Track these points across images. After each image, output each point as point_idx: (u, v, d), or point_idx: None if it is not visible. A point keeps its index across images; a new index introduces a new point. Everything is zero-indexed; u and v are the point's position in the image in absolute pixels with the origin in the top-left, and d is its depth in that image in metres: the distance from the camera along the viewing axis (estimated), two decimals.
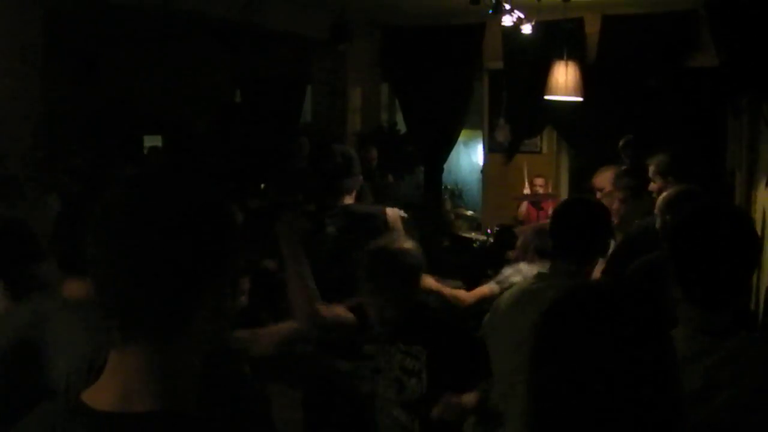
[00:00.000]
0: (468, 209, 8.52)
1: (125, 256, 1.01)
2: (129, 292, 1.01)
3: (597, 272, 3.83)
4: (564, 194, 8.06)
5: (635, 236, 4.06)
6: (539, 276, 2.74)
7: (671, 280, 1.86)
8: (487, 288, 4.17)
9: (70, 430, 1.01)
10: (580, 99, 6.97)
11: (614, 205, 4.32)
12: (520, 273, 3.97)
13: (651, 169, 4.78)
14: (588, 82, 6.97)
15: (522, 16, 6.03)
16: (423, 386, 2.70)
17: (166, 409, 1.01)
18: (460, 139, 8.84)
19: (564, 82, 6.90)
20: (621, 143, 6.30)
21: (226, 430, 1.09)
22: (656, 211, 3.52)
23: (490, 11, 5.78)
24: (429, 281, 3.82)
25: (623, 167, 5.73)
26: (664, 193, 3.53)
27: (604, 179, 4.90)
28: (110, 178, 3.78)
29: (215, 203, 1.09)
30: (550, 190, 7.58)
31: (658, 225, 3.46)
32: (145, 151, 9.07)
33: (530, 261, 3.98)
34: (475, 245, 6.62)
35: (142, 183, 1.08)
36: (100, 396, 1.03)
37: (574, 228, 2.63)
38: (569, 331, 1.24)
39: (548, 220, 2.99)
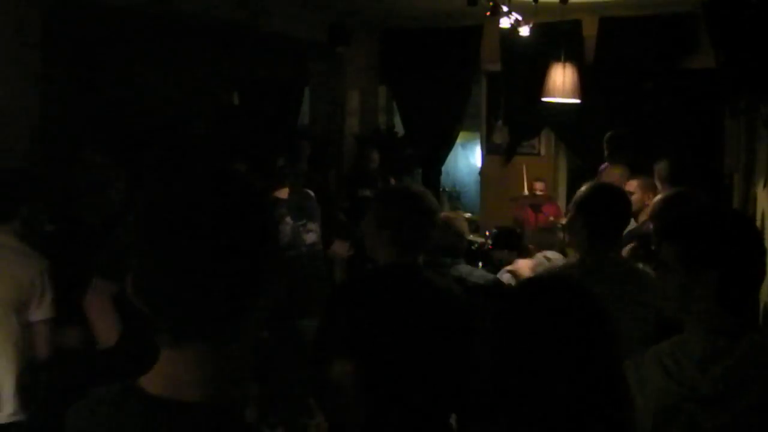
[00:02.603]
0: (466, 211, 8.51)
1: (183, 262, 1.01)
2: (184, 297, 1.01)
3: None
4: (562, 196, 8.06)
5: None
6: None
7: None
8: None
9: (125, 408, 1.05)
10: (577, 101, 6.98)
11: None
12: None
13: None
14: (586, 84, 6.98)
15: (519, 18, 6.03)
16: None
17: (212, 403, 1.04)
18: (458, 141, 8.84)
19: (562, 84, 6.91)
20: (606, 137, 6.25)
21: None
22: (650, 213, 3.53)
23: (488, 13, 5.78)
24: None
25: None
26: (659, 196, 3.54)
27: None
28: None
29: (263, 203, 1.11)
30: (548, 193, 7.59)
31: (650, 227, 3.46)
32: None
33: None
34: (473, 247, 6.61)
35: (194, 183, 1.07)
36: (154, 381, 1.06)
37: None
38: (517, 324, 1.31)
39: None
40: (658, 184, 4.96)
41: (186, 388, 1.04)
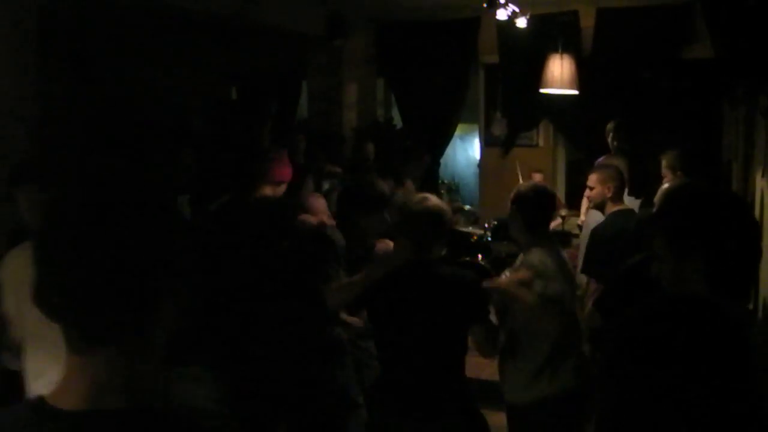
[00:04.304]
0: (465, 204, 8.52)
1: (81, 266, 1.02)
2: (89, 302, 1.02)
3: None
4: (561, 187, 8.07)
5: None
6: None
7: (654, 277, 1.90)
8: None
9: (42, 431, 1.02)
10: (575, 92, 6.98)
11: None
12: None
13: (663, 163, 5.01)
14: (583, 75, 6.97)
15: (516, 9, 6.04)
16: None
17: (135, 407, 1.04)
18: (457, 133, 8.83)
19: (559, 75, 6.91)
20: (611, 126, 6.28)
21: (190, 425, 1.11)
22: (655, 203, 3.55)
23: (485, 5, 5.79)
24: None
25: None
26: (664, 186, 3.55)
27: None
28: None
29: (164, 207, 1.11)
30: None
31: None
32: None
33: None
34: (472, 240, 6.62)
35: (87, 188, 1.09)
36: (66, 397, 1.04)
37: None
38: (642, 351, 1.16)
39: None
40: (668, 174, 5.01)
41: (105, 396, 1.03)
